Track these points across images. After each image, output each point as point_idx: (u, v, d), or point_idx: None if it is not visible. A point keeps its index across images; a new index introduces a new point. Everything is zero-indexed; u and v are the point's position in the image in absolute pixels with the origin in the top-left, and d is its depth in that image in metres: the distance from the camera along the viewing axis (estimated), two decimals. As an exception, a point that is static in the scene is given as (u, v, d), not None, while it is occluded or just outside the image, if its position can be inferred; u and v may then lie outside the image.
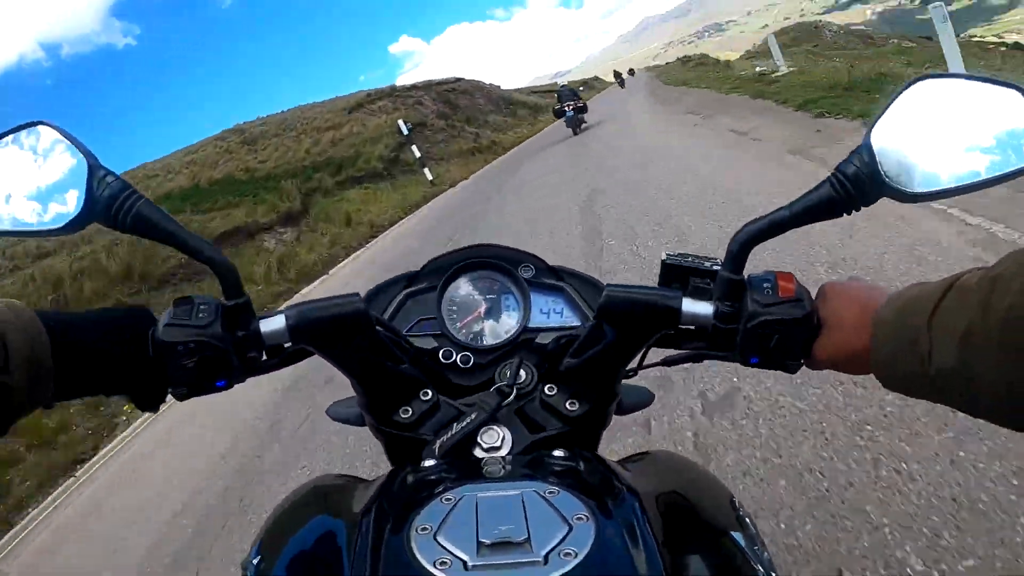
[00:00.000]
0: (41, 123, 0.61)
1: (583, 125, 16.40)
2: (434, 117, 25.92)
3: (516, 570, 0.45)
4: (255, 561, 0.65)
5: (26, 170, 0.61)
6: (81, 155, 0.59)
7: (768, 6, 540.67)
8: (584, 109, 16.69)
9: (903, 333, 0.50)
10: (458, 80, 33.54)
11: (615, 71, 34.89)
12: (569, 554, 0.45)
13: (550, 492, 0.52)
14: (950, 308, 0.46)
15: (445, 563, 0.45)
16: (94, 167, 0.59)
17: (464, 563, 0.45)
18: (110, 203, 0.58)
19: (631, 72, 33.79)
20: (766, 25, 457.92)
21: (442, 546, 0.47)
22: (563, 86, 18.31)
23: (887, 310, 0.52)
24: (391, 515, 0.53)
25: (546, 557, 0.45)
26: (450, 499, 0.52)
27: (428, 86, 30.60)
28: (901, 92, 0.57)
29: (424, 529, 0.49)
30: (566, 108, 16.15)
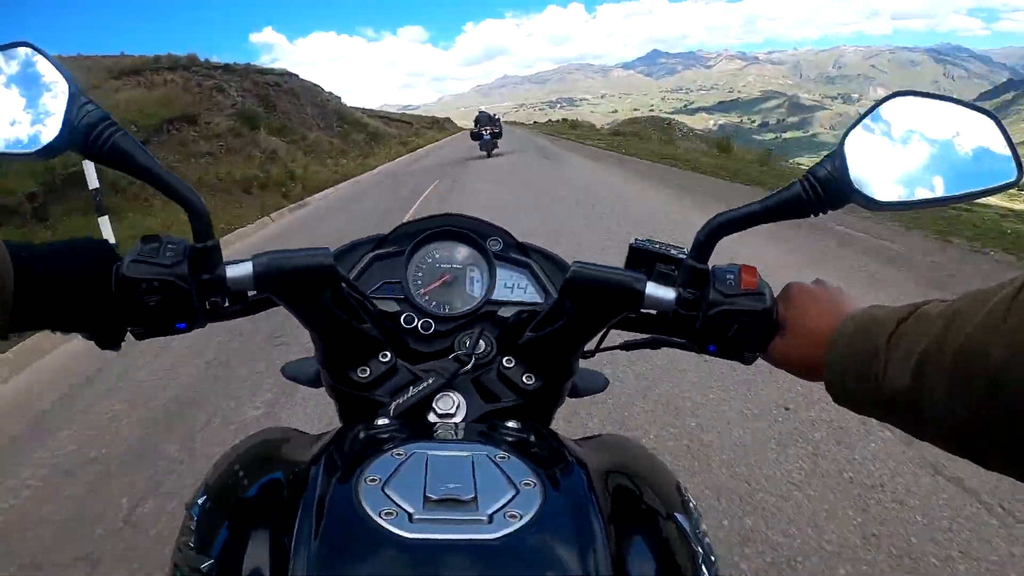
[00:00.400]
0: (24, 44, 0.60)
1: (495, 150, 17.89)
2: (223, 117, 17.46)
3: (460, 526, 0.46)
4: (200, 502, 0.64)
5: (4, 90, 0.59)
6: (63, 80, 0.58)
7: (621, 95, 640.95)
8: (500, 135, 18.01)
9: (860, 351, 0.52)
10: (289, 76, 26.39)
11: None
12: (514, 516, 0.47)
13: (500, 457, 0.54)
14: (909, 333, 0.47)
15: (391, 514, 0.46)
16: (75, 94, 0.58)
17: (409, 515, 0.46)
18: (88, 131, 0.58)
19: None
20: (615, 111, 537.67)
21: (389, 497, 0.48)
22: (482, 111, 18.60)
23: (847, 325, 0.54)
24: (340, 465, 0.54)
25: (491, 517, 0.47)
26: (401, 454, 0.53)
27: (246, 71, 22.91)
28: (878, 105, 0.60)
29: (373, 480, 0.50)
30: (483, 132, 17.43)
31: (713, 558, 0.63)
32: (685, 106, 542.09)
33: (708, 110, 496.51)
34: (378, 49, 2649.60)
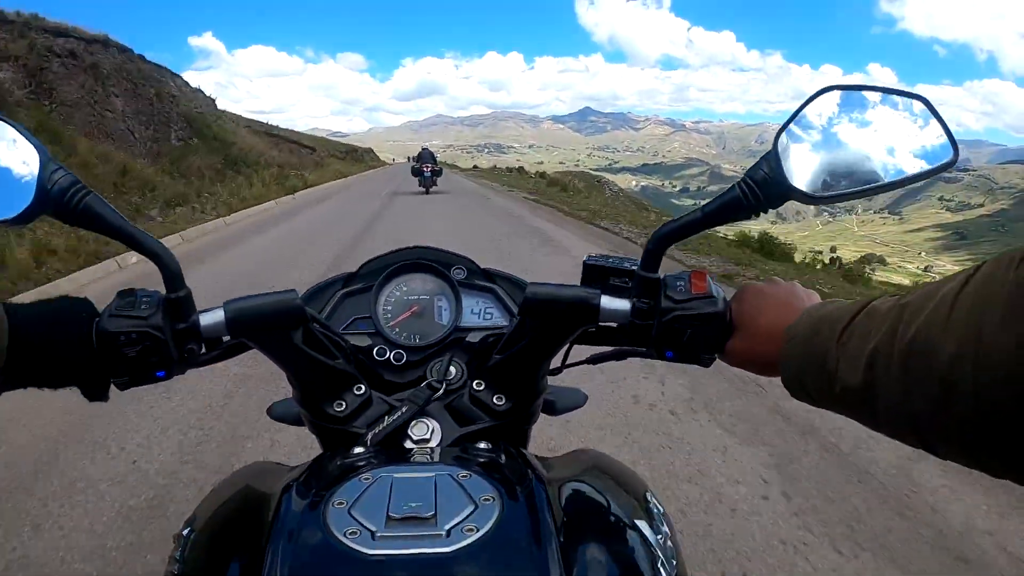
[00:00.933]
0: None
1: (433, 188, 18.10)
2: None
3: (419, 541, 0.49)
4: (184, 533, 0.69)
5: None
6: (33, 149, 0.61)
7: (549, 147, 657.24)
8: (439, 172, 18.73)
9: (813, 349, 0.53)
10: (106, 46, 15.76)
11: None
12: (471, 530, 0.50)
13: (463, 475, 0.57)
14: (859, 330, 0.49)
15: (355, 533, 0.50)
16: (45, 161, 0.60)
17: (372, 533, 0.50)
18: (60, 196, 0.60)
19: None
20: (542, 162, 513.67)
21: (354, 518, 0.51)
22: (424, 148, 19.33)
23: (800, 325, 0.56)
24: (311, 491, 0.58)
25: (449, 531, 0.50)
26: (368, 478, 0.57)
27: (27, 26, 13.62)
28: (809, 101, 0.62)
29: (340, 503, 0.53)
30: (424, 169, 18.17)
31: (674, 562, 0.66)
32: (610, 164, 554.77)
33: (632, 171, 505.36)
34: (315, 72, 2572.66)
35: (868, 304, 0.50)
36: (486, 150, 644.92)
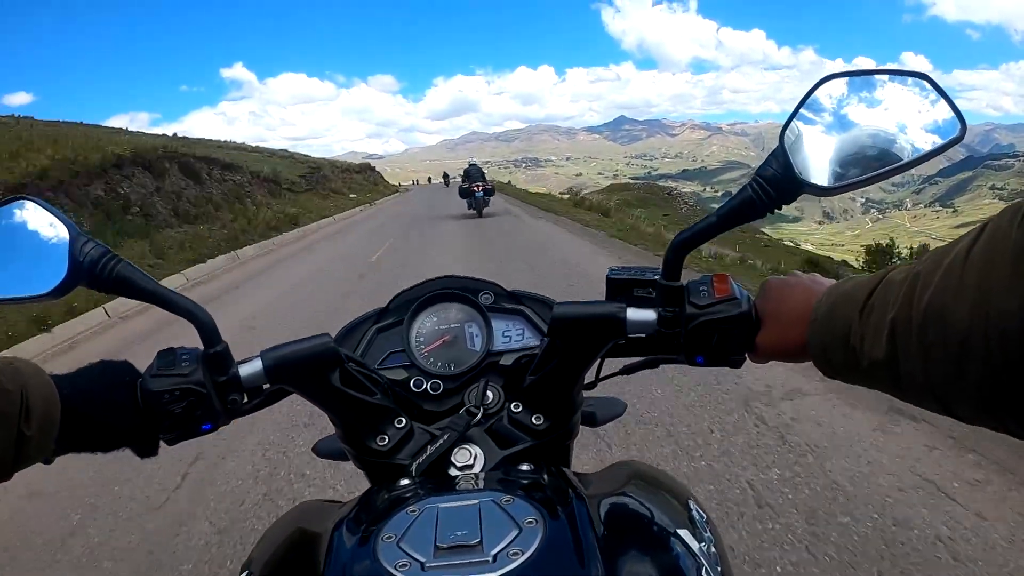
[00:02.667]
0: (24, 198, 0.68)
1: (485, 209, 17.09)
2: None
3: (467, 569, 0.52)
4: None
5: (13, 241, 0.67)
6: (63, 225, 0.66)
7: (586, 158, 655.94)
8: (492, 192, 17.57)
9: (836, 327, 0.55)
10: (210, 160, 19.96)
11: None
12: (516, 553, 0.52)
13: (506, 500, 0.59)
14: (878, 303, 0.50)
15: (405, 565, 0.52)
16: (76, 235, 0.65)
17: (421, 564, 0.52)
18: (92, 267, 0.65)
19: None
20: (580, 173, 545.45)
21: (403, 551, 0.54)
22: (472, 165, 18.05)
23: (822, 305, 0.58)
24: (361, 527, 0.60)
25: (495, 556, 0.52)
26: (415, 510, 0.59)
27: (172, 155, 17.64)
28: (809, 93, 0.62)
29: (389, 537, 0.56)
30: (475, 188, 16.83)
31: (719, 568, 0.68)
32: (649, 172, 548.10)
33: (672, 177, 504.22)
34: (348, 96, 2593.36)
35: (885, 276, 0.52)
36: (523, 164, 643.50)
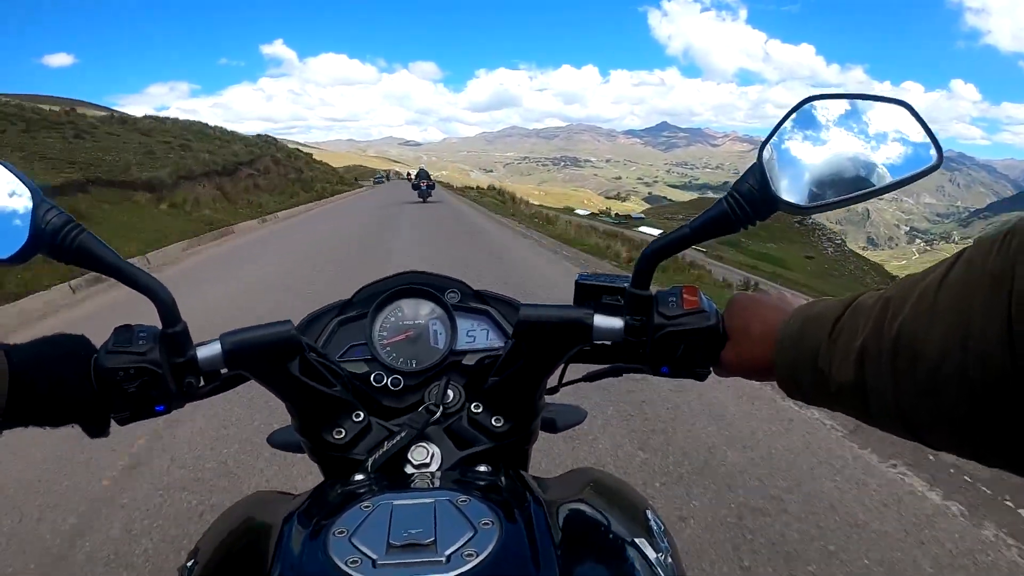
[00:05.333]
0: None
1: (429, 198, 27.63)
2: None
3: (419, 568, 0.52)
4: (188, 565, 0.74)
5: None
6: (27, 190, 0.65)
7: (626, 162, 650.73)
8: (433, 187, 29.26)
9: (805, 348, 0.56)
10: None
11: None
12: (471, 555, 0.53)
13: (462, 500, 0.60)
14: (847, 327, 0.52)
15: (356, 562, 0.52)
16: (39, 202, 0.65)
17: (373, 561, 0.53)
18: (54, 235, 0.65)
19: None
20: (619, 177, 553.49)
21: (355, 547, 0.54)
22: (421, 168, 30.27)
23: (791, 325, 0.60)
24: (312, 521, 0.61)
25: (448, 557, 0.53)
26: (368, 506, 0.60)
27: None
28: (791, 112, 0.65)
29: (341, 532, 0.56)
30: (421, 184, 28.32)
31: None
32: (689, 182, 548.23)
33: (714, 189, 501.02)
34: (390, 81, 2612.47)
35: (855, 300, 0.53)
36: (562, 163, 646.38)
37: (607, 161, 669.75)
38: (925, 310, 0.44)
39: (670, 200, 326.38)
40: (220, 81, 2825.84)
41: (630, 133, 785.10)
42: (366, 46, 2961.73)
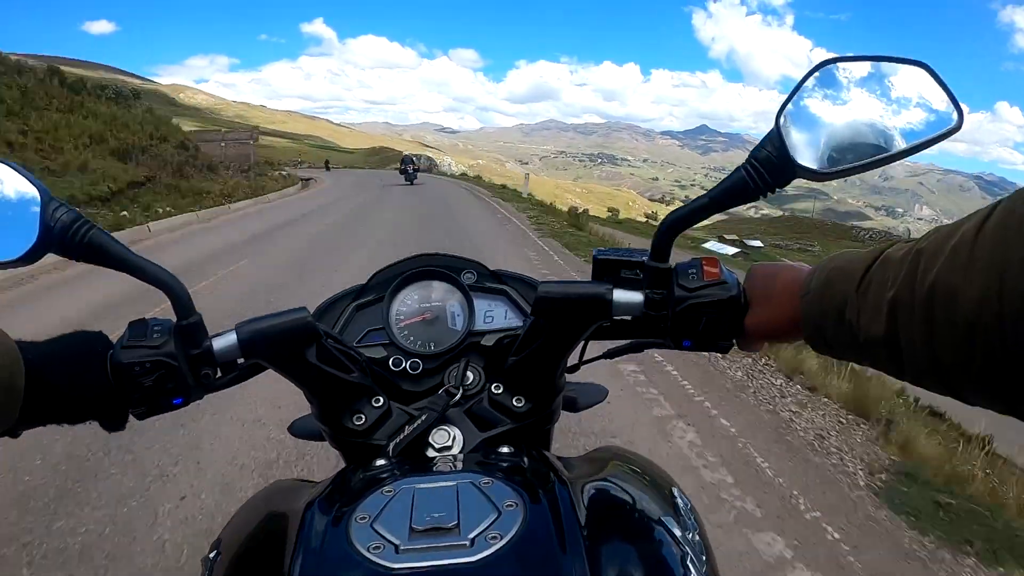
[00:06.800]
0: None
1: (416, 181, 30.62)
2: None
3: (443, 552, 0.52)
4: (211, 556, 0.75)
5: None
6: (34, 189, 0.66)
7: (664, 163, 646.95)
8: (419, 171, 33.00)
9: (831, 301, 0.56)
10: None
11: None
12: (495, 538, 0.53)
13: (485, 482, 0.61)
14: (877, 279, 0.51)
15: (378, 547, 0.53)
16: (48, 200, 0.66)
17: (396, 547, 0.53)
18: (64, 233, 0.66)
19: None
20: (656, 178, 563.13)
21: (377, 532, 0.55)
22: (406, 155, 34.48)
23: (816, 278, 0.60)
24: (333, 507, 0.61)
25: (472, 540, 0.53)
26: (390, 491, 0.61)
27: None
28: (806, 76, 0.64)
29: (363, 518, 0.57)
30: (408, 168, 30.58)
31: (704, 557, 0.70)
32: None
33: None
34: (430, 67, 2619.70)
35: (882, 253, 0.53)
36: (599, 160, 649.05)
37: (644, 161, 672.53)
38: (961, 262, 0.44)
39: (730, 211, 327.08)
40: (260, 57, 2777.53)
41: (668, 134, 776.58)
42: (407, 30, 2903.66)
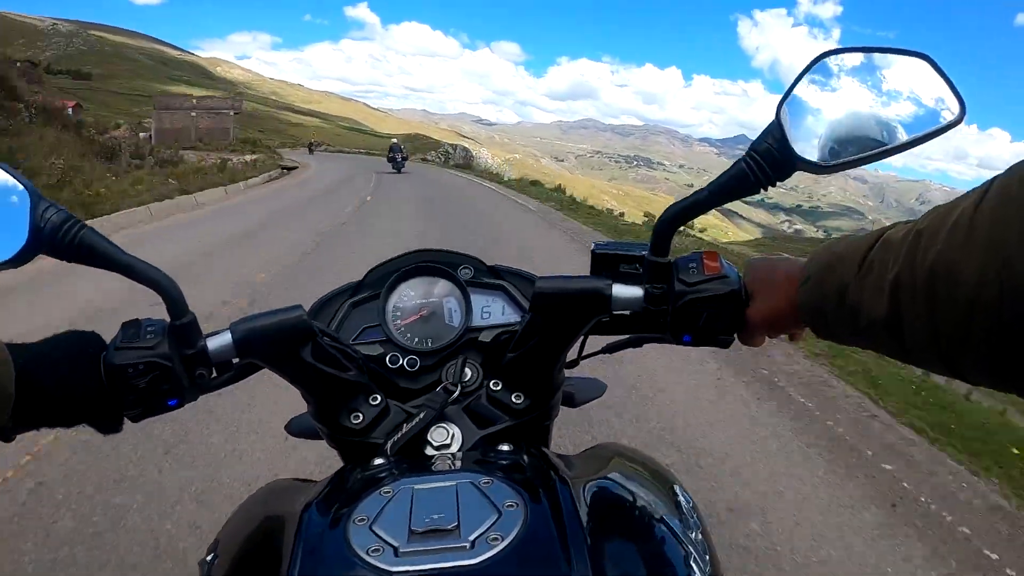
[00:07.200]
0: None
1: (403, 169, 29.90)
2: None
3: (443, 555, 0.51)
4: (208, 558, 0.74)
5: None
6: (23, 188, 0.65)
7: (700, 170, 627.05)
8: (406, 159, 32.31)
9: (832, 285, 0.57)
10: None
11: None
12: (496, 539, 0.52)
13: (484, 482, 0.60)
14: (878, 261, 0.52)
15: (378, 550, 0.52)
16: (36, 201, 0.65)
17: (395, 549, 0.52)
18: (54, 234, 0.65)
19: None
20: (691, 184, 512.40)
21: (376, 535, 0.54)
22: (394, 142, 32.36)
23: (816, 264, 0.60)
24: (331, 509, 0.61)
25: (473, 542, 0.52)
26: (388, 491, 0.60)
27: None
28: (807, 68, 0.64)
29: (361, 520, 0.56)
30: (396, 156, 30.63)
31: (707, 556, 0.69)
32: (761, 200, 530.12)
33: (785, 210, 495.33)
34: (471, 58, 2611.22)
35: (882, 235, 0.54)
36: (635, 163, 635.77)
37: (680, 166, 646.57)
38: (959, 241, 0.44)
39: (744, 217, 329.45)
40: (302, 37, 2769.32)
41: (706, 141, 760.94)
42: (450, 19, 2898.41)
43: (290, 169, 27.04)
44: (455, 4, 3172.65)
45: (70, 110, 21.66)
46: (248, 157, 28.48)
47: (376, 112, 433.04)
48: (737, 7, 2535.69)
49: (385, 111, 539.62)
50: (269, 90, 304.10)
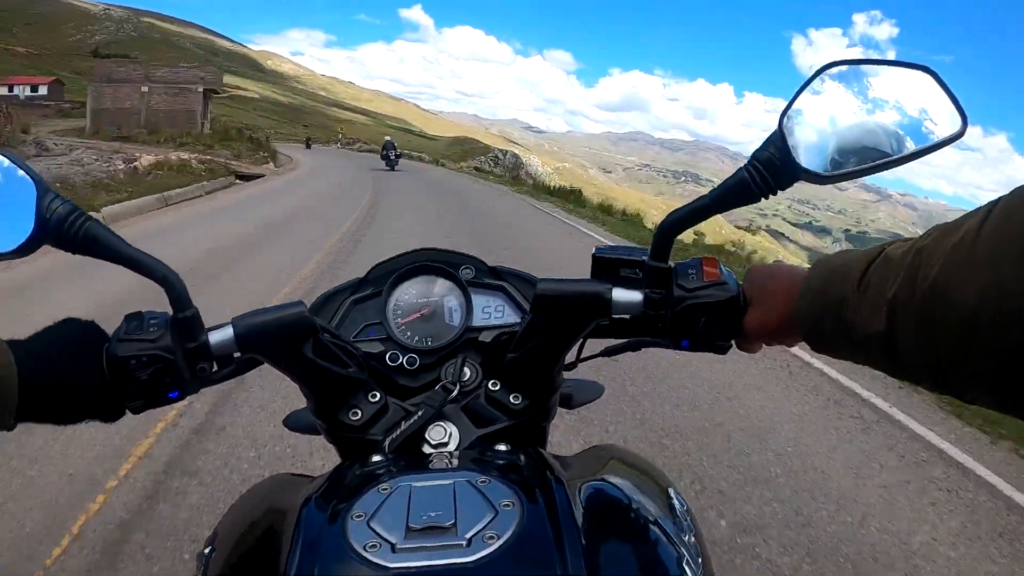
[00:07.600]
0: None
1: (396, 167, 29.73)
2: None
3: (440, 552, 0.52)
4: (207, 552, 0.75)
5: None
6: (30, 179, 0.65)
7: None
8: (400, 156, 31.20)
9: (830, 299, 0.56)
10: None
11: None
12: (492, 537, 0.53)
13: (481, 481, 0.61)
14: (877, 277, 0.52)
15: (375, 546, 0.53)
16: (43, 192, 0.65)
17: (392, 546, 0.53)
18: (60, 225, 0.65)
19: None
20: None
21: (374, 531, 0.55)
22: (388, 140, 32.06)
23: (815, 277, 0.60)
24: (330, 505, 0.61)
25: (469, 540, 0.53)
26: (386, 488, 0.61)
27: None
28: (811, 78, 0.64)
29: (359, 516, 0.57)
30: (389, 154, 29.97)
31: (700, 560, 0.70)
32: (810, 222, 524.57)
33: (832, 235, 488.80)
34: (523, 65, 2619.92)
35: (883, 251, 0.53)
36: (683, 178, 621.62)
37: None
38: (960, 261, 0.44)
39: (791, 240, 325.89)
40: (356, 36, 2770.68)
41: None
42: (504, 25, 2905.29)
43: (249, 178, 17.86)
44: (509, 10, 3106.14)
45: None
46: (187, 155, 17.32)
47: (426, 114, 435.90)
48: (792, 25, 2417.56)
49: (436, 113, 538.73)
50: (319, 85, 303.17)
